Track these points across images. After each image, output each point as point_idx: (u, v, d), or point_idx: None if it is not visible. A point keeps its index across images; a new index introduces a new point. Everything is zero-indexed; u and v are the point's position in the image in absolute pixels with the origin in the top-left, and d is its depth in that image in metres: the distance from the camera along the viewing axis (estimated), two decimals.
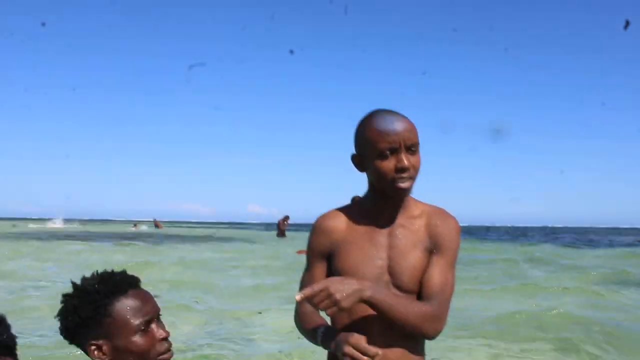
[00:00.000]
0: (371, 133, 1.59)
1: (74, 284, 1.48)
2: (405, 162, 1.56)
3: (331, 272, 1.68)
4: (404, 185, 1.58)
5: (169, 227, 50.34)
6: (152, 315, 1.46)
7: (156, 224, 43.69)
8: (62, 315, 1.44)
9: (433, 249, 1.65)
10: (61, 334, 1.46)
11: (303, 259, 1.79)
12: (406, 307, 1.54)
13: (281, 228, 25.81)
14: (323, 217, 1.73)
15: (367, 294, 1.49)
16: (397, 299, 1.55)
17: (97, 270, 1.51)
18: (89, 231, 35.54)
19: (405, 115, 1.61)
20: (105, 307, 1.41)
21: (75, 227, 44.33)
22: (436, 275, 1.62)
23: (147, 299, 1.47)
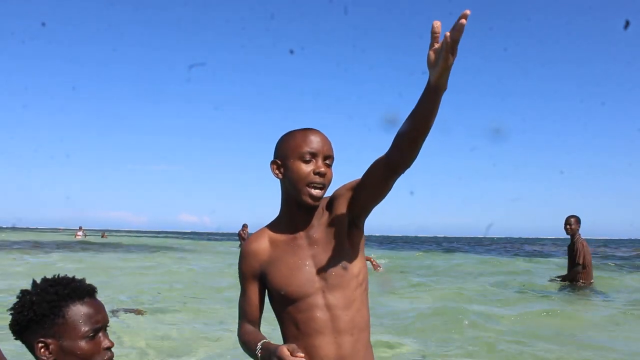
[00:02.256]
0: (295, 139, 1.74)
1: (34, 281, 1.57)
2: (322, 168, 1.71)
3: (265, 290, 1.83)
4: (316, 192, 1.71)
5: (111, 236, 49.42)
6: (102, 324, 1.55)
7: (102, 235, 43.32)
8: (17, 309, 1.51)
9: (345, 209, 1.75)
10: (10, 327, 1.53)
11: None
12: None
13: (243, 238, 26.03)
14: (247, 242, 1.85)
15: None
16: None
17: (58, 274, 1.59)
18: (39, 241, 33.45)
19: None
20: (61, 308, 1.49)
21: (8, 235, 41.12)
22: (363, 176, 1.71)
23: (99, 308, 1.56)
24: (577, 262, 8.29)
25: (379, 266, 14.18)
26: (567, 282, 8.68)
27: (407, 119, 1.53)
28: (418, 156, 1.59)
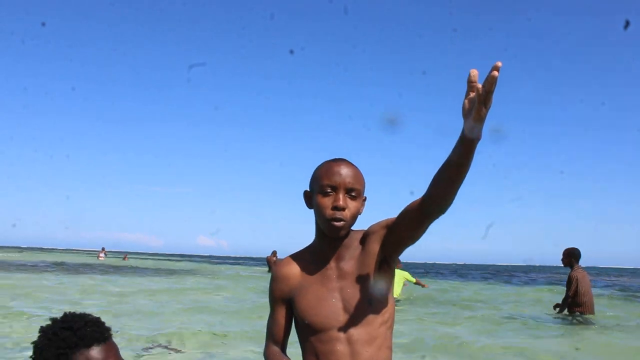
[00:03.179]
0: (320, 171, 1.76)
1: (52, 320, 1.57)
2: (341, 201, 1.70)
3: (293, 315, 1.84)
4: (337, 224, 1.70)
5: (132, 259, 48.93)
6: None
7: (124, 257, 43.06)
8: (34, 349, 1.54)
9: (377, 246, 1.74)
10: None
11: None
12: None
13: (271, 264, 25.81)
14: (279, 265, 1.87)
15: None
16: None
17: (74, 313, 1.58)
18: (71, 263, 32.61)
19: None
20: (68, 356, 1.48)
21: (24, 256, 41.41)
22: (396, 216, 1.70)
23: (108, 355, 1.53)
24: (567, 294, 8.50)
25: (424, 285, 14.04)
26: (563, 313, 8.75)
27: (441, 166, 1.52)
28: (454, 197, 1.55)
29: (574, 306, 8.50)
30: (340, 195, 1.71)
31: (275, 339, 1.86)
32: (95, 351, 1.51)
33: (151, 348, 6.19)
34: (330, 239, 1.77)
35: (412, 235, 1.68)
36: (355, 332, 1.71)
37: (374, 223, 1.78)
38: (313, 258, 1.83)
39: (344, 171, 1.73)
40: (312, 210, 1.80)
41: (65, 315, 1.57)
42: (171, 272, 27.16)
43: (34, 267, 25.13)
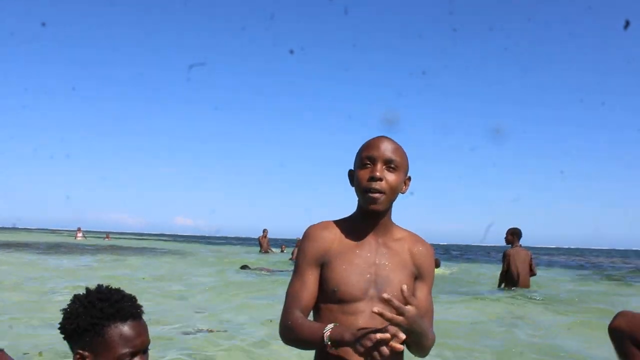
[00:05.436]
0: (361, 147, 1.76)
1: (87, 290, 1.59)
2: (378, 172, 1.67)
3: (322, 280, 1.73)
4: (373, 195, 1.68)
5: (116, 238, 47.75)
6: (140, 348, 1.55)
7: (106, 236, 41.91)
8: (66, 315, 1.55)
9: (417, 274, 1.78)
10: (59, 330, 1.56)
11: None
12: (429, 331, 1.65)
13: (262, 244, 25.07)
14: (316, 226, 1.79)
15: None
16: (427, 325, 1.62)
17: (110, 286, 1.60)
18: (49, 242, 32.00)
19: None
20: (103, 327, 1.50)
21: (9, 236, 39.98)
22: (423, 300, 1.76)
23: (140, 332, 1.56)
24: (502, 269, 9.31)
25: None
26: (503, 286, 9.54)
27: None
28: None
29: (508, 280, 9.33)
30: (378, 166, 1.69)
31: (303, 304, 1.69)
32: (130, 326, 1.53)
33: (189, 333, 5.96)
34: (370, 217, 1.74)
35: None
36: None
37: (427, 254, 1.81)
38: (351, 229, 1.77)
39: (384, 144, 1.71)
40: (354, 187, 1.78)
41: (101, 287, 1.59)
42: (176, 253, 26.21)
43: (43, 249, 23.87)
